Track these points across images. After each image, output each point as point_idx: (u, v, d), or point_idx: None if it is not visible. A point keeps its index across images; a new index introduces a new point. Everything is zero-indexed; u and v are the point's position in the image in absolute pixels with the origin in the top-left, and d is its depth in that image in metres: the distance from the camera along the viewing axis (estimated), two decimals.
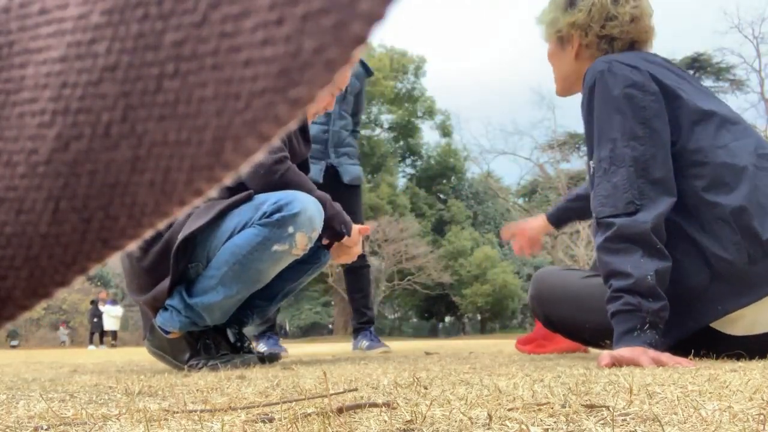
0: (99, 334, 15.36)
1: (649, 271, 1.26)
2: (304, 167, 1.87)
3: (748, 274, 1.29)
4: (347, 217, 1.72)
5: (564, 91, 1.68)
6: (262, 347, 2.77)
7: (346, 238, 1.73)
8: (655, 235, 1.29)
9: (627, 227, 1.29)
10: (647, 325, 1.24)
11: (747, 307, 1.30)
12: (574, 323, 1.64)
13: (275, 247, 1.50)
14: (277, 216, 1.49)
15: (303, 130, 1.86)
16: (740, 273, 1.30)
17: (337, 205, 1.70)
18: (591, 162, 1.45)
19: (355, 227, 1.77)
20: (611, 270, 1.30)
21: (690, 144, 1.39)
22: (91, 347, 13.69)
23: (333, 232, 1.69)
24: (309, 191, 1.60)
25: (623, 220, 1.30)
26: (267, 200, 1.52)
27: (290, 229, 1.49)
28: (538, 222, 2.06)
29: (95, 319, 15.56)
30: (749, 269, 1.29)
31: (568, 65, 1.63)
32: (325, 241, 1.78)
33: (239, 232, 1.52)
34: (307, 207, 1.51)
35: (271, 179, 1.60)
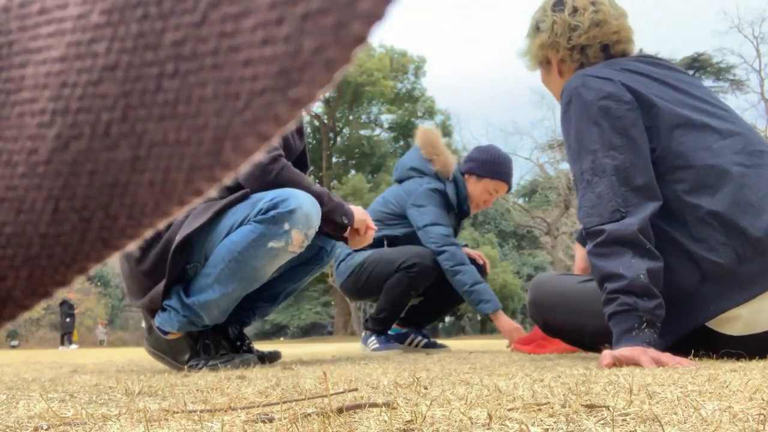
0: (69, 334, 15.28)
1: (641, 270, 1.27)
2: (302, 161, 1.87)
3: (739, 274, 1.30)
4: (348, 208, 1.71)
5: None
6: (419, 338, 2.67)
7: (356, 223, 1.73)
8: (643, 237, 1.31)
9: (615, 231, 1.31)
10: (645, 324, 1.24)
11: (742, 307, 1.30)
12: (572, 328, 1.65)
13: (271, 244, 1.49)
14: (272, 213, 1.49)
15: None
16: (730, 273, 1.31)
17: (337, 198, 1.70)
18: (571, 175, 1.48)
19: (362, 213, 1.77)
20: (604, 273, 1.31)
21: (670, 149, 1.41)
22: (62, 348, 13.56)
23: (335, 224, 1.69)
24: (305, 188, 1.60)
25: (611, 226, 1.33)
26: (263, 198, 1.53)
27: (286, 226, 1.49)
28: (581, 252, 2.07)
29: (67, 319, 15.46)
30: (739, 269, 1.30)
31: (557, 85, 1.68)
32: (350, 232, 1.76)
33: (236, 229, 1.52)
34: (303, 204, 1.51)
35: (266, 179, 1.60)
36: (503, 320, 2.58)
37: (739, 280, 1.30)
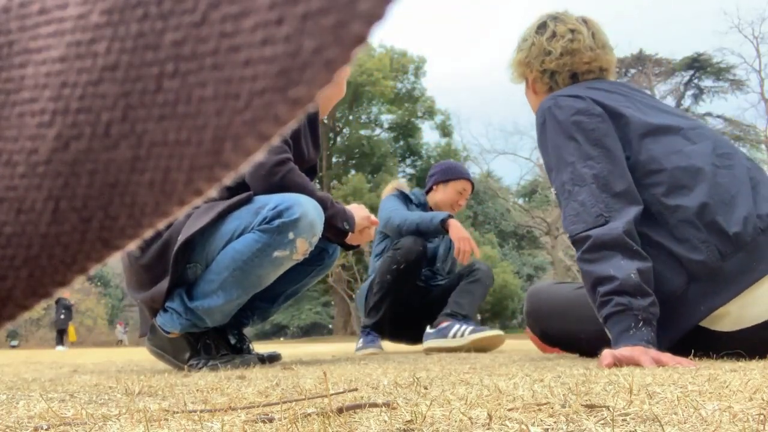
0: (63, 331, 15.23)
1: (631, 270, 1.29)
2: (312, 172, 1.87)
3: (723, 271, 1.32)
4: (350, 213, 1.73)
5: None
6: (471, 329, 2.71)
7: (357, 227, 1.74)
8: (629, 238, 1.33)
9: (601, 236, 1.34)
10: (641, 323, 1.25)
11: (730, 304, 1.32)
12: (569, 335, 1.67)
13: (276, 254, 1.50)
14: (277, 222, 1.48)
15: (314, 135, 1.85)
16: (715, 271, 1.32)
17: (339, 204, 1.70)
18: (553, 189, 1.53)
19: (364, 214, 1.78)
20: (595, 278, 1.33)
21: (642, 155, 1.45)
22: (60, 348, 13.52)
23: (336, 230, 1.69)
24: (310, 193, 1.60)
25: (597, 231, 1.35)
26: (266, 204, 1.52)
27: (291, 235, 1.49)
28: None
29: (62, 316, 15.43)
30: (722, 266, 1.32)
31: (533, 100, 1.78)
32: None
33: (239, 236, 1.52)
34: (307, 212, 1.51)
35: (271, 180, 1.60)
36: (454, 226, 2.69)
37: (724, 277, 1.32)
